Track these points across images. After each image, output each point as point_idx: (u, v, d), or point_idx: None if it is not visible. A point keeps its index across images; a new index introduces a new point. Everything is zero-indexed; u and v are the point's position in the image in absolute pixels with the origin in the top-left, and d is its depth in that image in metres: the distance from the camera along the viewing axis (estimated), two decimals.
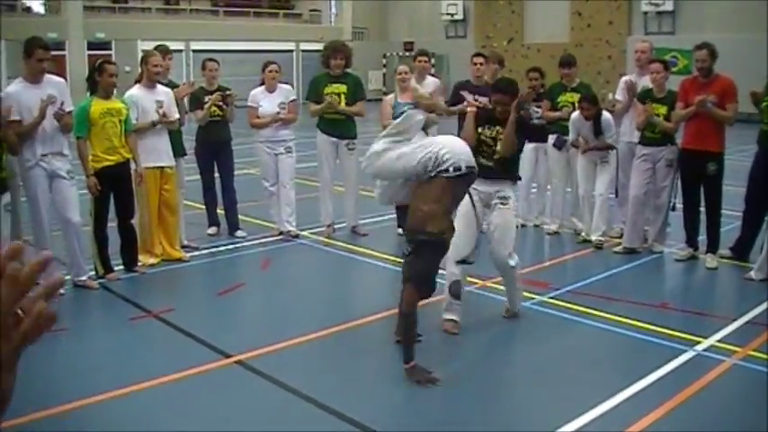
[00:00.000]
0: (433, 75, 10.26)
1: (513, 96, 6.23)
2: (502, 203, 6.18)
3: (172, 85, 8.36)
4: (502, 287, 6.65)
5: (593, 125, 8.44)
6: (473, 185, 5.75)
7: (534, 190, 9.76)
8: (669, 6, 27.70)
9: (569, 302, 6.77)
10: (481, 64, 9.26)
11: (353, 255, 8.55)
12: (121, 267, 7.65)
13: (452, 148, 5.29)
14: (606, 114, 8.55)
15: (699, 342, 5.79)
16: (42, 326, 0.95)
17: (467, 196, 5.71)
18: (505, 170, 6.26)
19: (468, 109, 6.63)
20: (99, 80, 7.32)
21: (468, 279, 6.59)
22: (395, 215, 9.36)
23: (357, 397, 4.97)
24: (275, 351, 5.65)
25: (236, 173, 9.36)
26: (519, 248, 8.77)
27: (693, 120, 7.92)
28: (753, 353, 5.61)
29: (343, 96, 9.00)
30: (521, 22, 32.48)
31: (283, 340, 5.83)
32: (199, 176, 9.22)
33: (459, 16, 34.33)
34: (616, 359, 5.83)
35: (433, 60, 11.00)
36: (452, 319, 6.09)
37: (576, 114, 8.70)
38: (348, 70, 9.24)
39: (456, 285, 6.02)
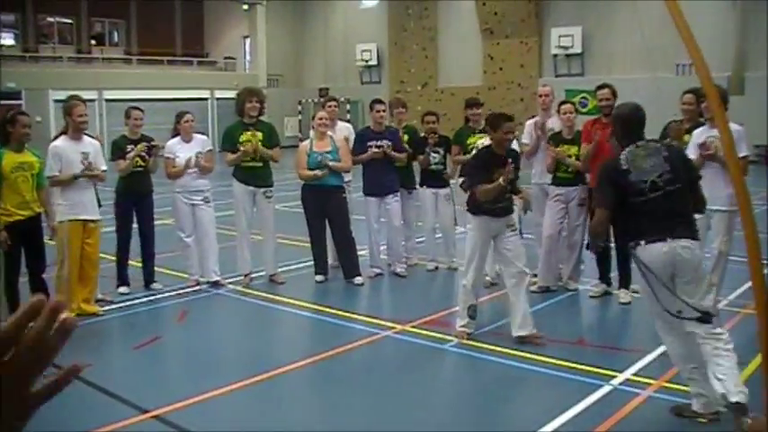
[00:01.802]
0: (347, 120, 10.37)
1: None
2: (512, 230, 6.99)
3: None
4: (415, 329, 6.65)
5: None
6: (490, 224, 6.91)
7: (439, 235, 9.87)
8: (578, 49, 28.59)
9: (486, 343, 6.84)
10: (384, 111, 9.44)
11: (272, 303, 8.48)
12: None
13: None
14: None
15: (614, 376, 5.92)
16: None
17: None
18: (511, 204, 7.07)
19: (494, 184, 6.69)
20: (11, 132, 7.15)
21: (388, 324, 6.63)
22: (312, 262, 9.38)
23: None
24: (194, 404, 5.55)
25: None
26: (432, 291, 8.90)
27: (599, 160, 8.10)
28: (666, 384, 5.76)
29: (259, 143, 8.96)
30: (435, 66, 33.08)
31: (202, 393, 5.73)
32: (109, 228, 8.97)
33: (374, 62, 34.71)
34: (535, 396, 5.91)
35: (348, 106, 11.12)
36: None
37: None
38: (262, 118, 9.24)
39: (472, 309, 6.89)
